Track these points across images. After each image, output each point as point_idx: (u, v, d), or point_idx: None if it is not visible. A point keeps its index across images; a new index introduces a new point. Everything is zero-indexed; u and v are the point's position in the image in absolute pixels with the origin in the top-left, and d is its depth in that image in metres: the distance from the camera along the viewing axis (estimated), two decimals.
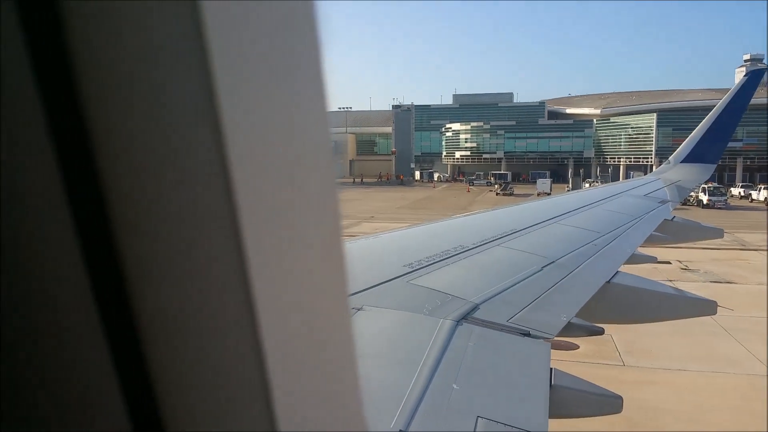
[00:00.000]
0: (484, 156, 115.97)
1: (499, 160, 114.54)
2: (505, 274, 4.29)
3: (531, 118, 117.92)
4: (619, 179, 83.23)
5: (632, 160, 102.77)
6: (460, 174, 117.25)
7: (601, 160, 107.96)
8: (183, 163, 0.59)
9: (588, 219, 7.17)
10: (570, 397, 2.86)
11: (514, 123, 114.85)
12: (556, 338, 11.38)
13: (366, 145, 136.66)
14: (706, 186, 64.33)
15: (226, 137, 0.58)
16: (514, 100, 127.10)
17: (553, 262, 4.86)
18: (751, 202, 68.37)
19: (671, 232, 7.67)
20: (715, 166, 11.94)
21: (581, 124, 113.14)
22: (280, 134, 0.66)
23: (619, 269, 5.16)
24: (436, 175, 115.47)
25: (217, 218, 0.61)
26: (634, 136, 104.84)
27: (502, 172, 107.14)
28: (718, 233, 9.42)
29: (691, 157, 11.38)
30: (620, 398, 3.11)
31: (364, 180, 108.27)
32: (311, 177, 0.71)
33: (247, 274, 0.63)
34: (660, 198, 9.09)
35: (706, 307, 5.45)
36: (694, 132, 11.79)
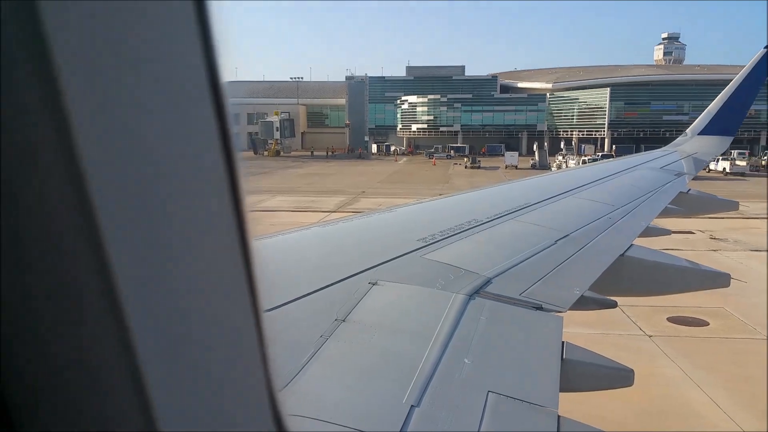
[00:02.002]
0: (441, 129, 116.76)
1: (456, 133, 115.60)
2: (518, 248, 4.30)
3: (485, 91, 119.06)
4: (573, 153, 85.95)
5: (584, 133, 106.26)
6: (409, 147, 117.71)
7: (554, 133, 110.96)
8: (26, 160, 0.56)
9: (603, 192, 7.18)
10: (582, 371, 2.86)
11: (470, 96, 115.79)
12: (685, 315, 11.62)
13: (317, 117, 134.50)
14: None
15: (80, 135, 0.56)
16: (466, 74, 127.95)
17: (566, 235, 4.87)
18: (708, 172, 72.10)
19: (686, 205, 7.73)
20: (732, 138, 12.03)
21: (535, 98, 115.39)
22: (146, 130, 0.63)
23: (633, 242, 5.15)
24: (392, 148, 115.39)
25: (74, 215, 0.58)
26: (587, 110, 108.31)
27: (459, 145, 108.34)
28: (733, 205, 9.54)
29: (709, 129, 11.60)
30: (632, 371, 3.10)
31: (314, 153, 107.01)
32: (195, 174, 0.70)
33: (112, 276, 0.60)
34: (676, 170, 9.14)
35: (720, 280, 5.48)
36: (711, 104, 11.91)
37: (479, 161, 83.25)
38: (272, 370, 0.88)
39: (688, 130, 12.80)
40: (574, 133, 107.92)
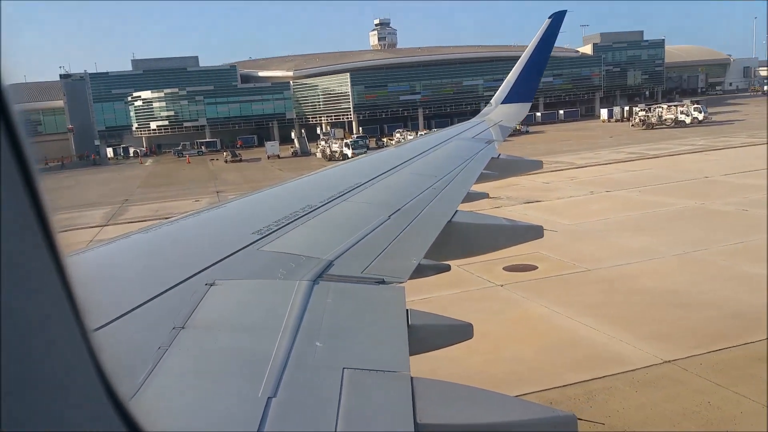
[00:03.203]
0: (186, 124, 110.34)
1: (202, 127, 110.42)
2: (356, 228, 4.43)
3: (226, 82, 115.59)
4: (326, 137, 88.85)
5: (332, 118, 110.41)
6: (148, 148, 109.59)
7: (303, 120, 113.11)
8: None
9: (426, 165, 7.67)
10: (427, 333, 3.08)
11: (212, 87, 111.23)
12: (515, 263, 13.90)
13: (28, 125, 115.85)
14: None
15: None
16: (201, 64, 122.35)
17: (398, 210, 5.12)
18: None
19: (498, 168, 8.47)
20: (531, 103, 13.23)
21: (279, 86, 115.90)
22: None
23: (457, 208, 5.54)
24: (132, 150, 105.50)
25: None
26: (332, 95, 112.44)
27: (209, 140, 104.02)
28: (538, 165, 10.68)
29: (510, 98, 12.64)
30: (470, 325, 3.36)
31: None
32: None
33: None
34: (486, 138, 9.91)
35: (535, 232, 5.97)
36: (509, 75, 12.90)
37: (239, 154, 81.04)
38: (112, 378, 0.91)
39: (492, 100, 13.60)
40: (323, 118, 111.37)
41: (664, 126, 76.19)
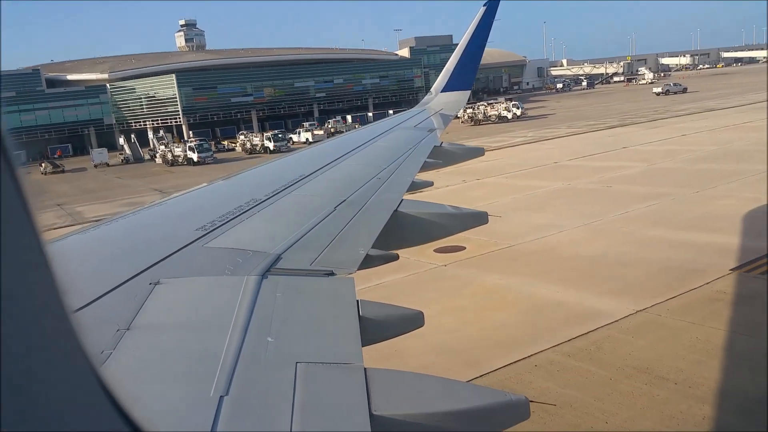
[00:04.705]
0: None
1: None
2: (302, 220, 4.43)
3: (28, 87, 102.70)
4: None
5: (159, 122, 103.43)
6: None
7: (124, 125, 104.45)
8: None
9: (369, 155, 7.66)
10: (379, 324, 3.08)
11: (14, 94, 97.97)
12: (442, 245, 15.22)
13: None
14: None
15: None
16: None
17: (344, 201, 5.12)
18: (293, 144, 79.02)
19: (441, 156, 8.58)
20: (470, 91, 13.37)
21: (94, 90, 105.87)
22: None
23: (403, 197, 5.57)
24: None
25: None
26: (156, 98, 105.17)
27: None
28: (480, 152, 10.91)
29: (449, 86, 12.85)
30: (421, 313, 3.42)
31: None
32: None
33: None
34: (428, 127, 10.02)
35: (480, 218, 6.15)
36: (448, 64, 13.11)
37: (61, 165, 72.95)
38: (107, 377, 0.93)
39: (432, 89, 13.83)
40: (147, 123, 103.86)
41: (489, 122, 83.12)
